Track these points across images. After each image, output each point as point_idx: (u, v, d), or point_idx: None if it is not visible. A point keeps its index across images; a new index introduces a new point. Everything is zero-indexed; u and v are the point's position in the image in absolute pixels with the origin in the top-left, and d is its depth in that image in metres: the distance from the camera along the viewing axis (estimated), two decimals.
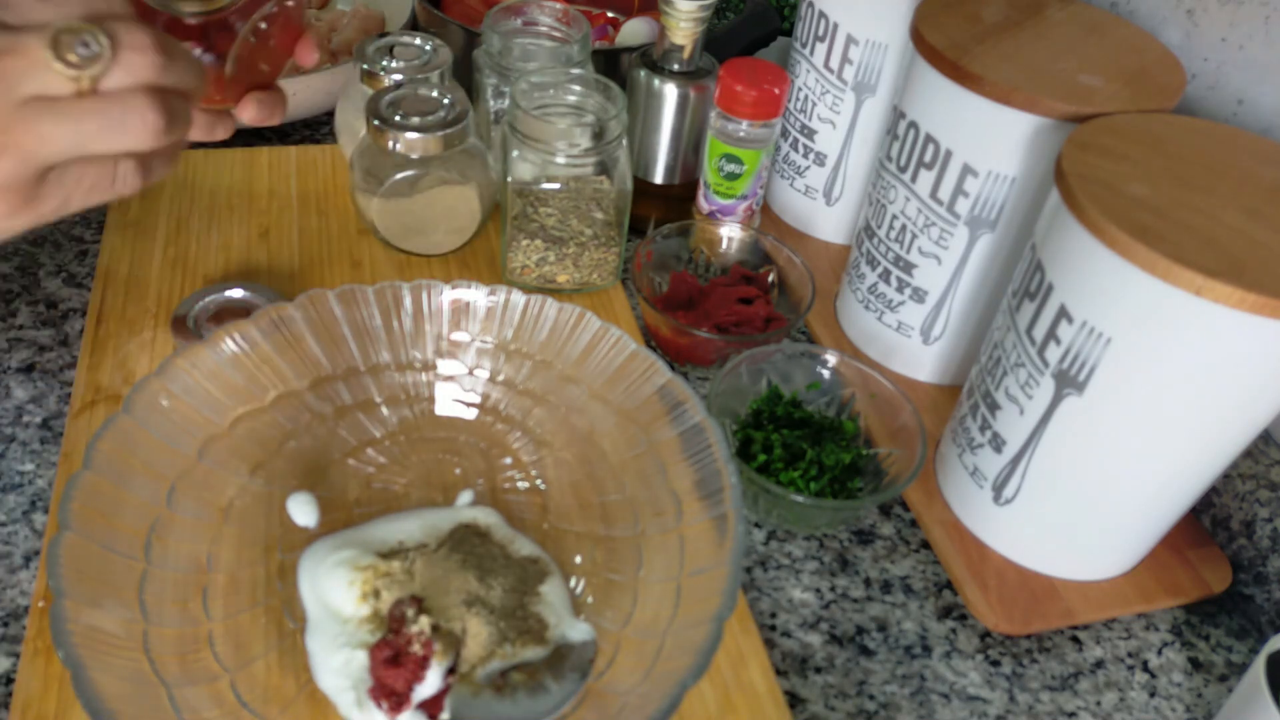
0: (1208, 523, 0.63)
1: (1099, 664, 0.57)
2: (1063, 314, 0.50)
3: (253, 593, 0.51)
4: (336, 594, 0.50)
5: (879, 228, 0.68)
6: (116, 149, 0.39)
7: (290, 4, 0.50)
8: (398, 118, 0.68)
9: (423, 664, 0.46)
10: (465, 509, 0.56)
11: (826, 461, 0.60)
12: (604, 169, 0.70)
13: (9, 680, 0.49)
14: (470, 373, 0.61)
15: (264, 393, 0.56)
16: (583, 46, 0.75)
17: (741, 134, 0.72)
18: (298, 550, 0.53)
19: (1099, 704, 0.55)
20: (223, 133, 0.52)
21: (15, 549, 0.55)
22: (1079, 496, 0.55)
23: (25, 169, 0.38)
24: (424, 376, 0.61)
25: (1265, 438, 0.59)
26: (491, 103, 0.76)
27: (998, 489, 0.58)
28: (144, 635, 0.45)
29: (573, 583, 0.53)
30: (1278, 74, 0.59)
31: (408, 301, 0.60)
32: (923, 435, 0.59)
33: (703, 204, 0.77)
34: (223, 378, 0.55)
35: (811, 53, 0.76)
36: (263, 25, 0.50)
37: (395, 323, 0.60)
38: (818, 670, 0.55)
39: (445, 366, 0.61)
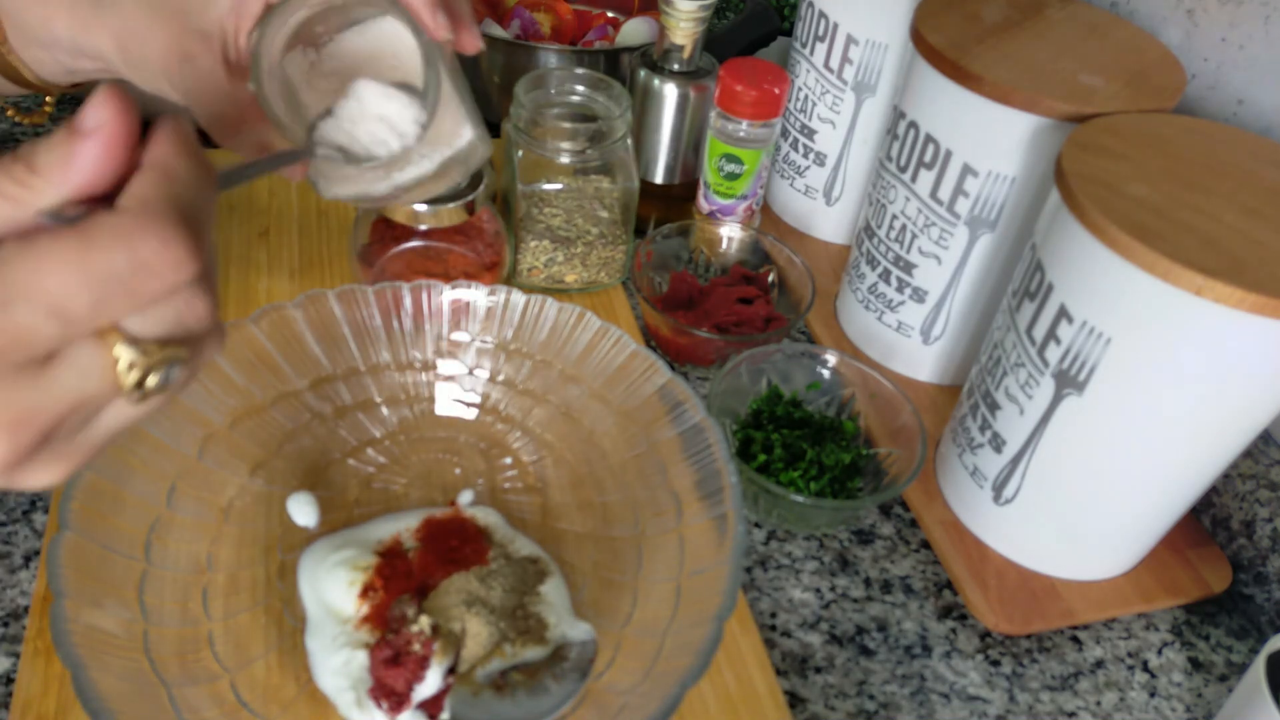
0: (1208, 523, 0.63)
1: (1099, 664, 0.57)
2: (1063, 314, 0.50)
3: (253, 593, 0.51)
4: (336, 594, 0.50)
5: (879, 228, 0.68)
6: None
7: None
8: None
9: (423, 664, 0.46)
10: (465, 509, 0.56)
11: (826, 461, 0.60)
12: (609, 168, 0.70)
13: (9, 680, 0.49)
14: (470, 373, 0.61)
15: (264, 393, 0.56)
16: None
17: (741, 134, 0.72)
18: (298, 550, 0.53)
19: (1099, 704, 0.55)
20: None
21: (15, 549, 0.55)
22: (1079, 496, 0.55)
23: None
24: (424, 376, 0.61)
25: (1265, 438, 0.59)
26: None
27: (998, 489, 0.58)
28: (144, 635, 0.45)
29: (572, 583, 0.53)
30: (1278, 74, 0.59)
31: (408, 301, 0.60)
32: (923, 435, 0.59)
33: (703, 204, 0.77)
34: (223, 377, 0.55)
35: (811, 53, 0.76)
36: None
37: (395, 323, 0.60)
38: (818, 670, 0.55)
39: (445, 366, 0.61)
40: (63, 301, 0.26)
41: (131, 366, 0.28)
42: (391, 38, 0.46)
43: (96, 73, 0.48)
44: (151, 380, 0.28)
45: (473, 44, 0.47)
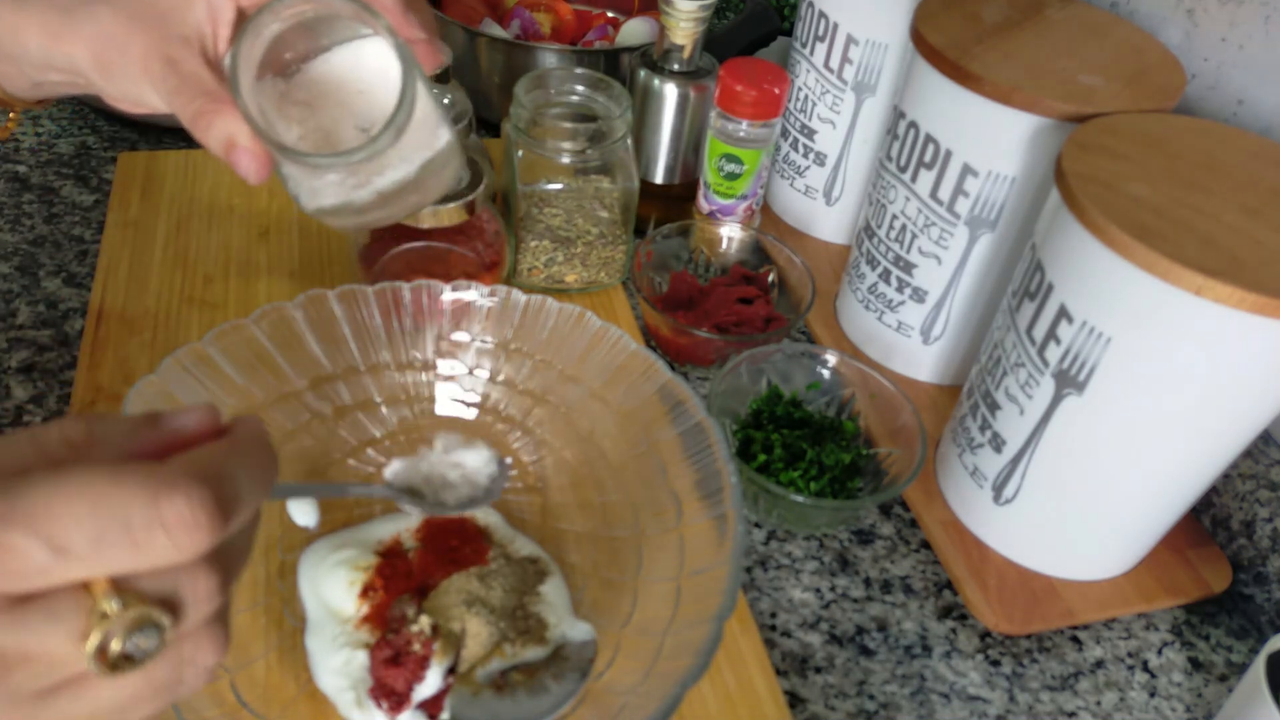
0: (1208, 523, 0.63)
1: (1099, 664, 0.57)
2: (1063, 314, 0.50)
3: (253, 593, 0.51)
4: (336, 594, 0.50)
5: (879, 227, 0.68)
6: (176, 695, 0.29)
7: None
8: None
9: (423, 664, 0.46)
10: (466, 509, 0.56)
11: (826, 461, 0.60)
12: (609, 168, 0.70)
13: None
14: (470, 373, 0.61)
15: (264, 393, 0.56)
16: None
17: (741, 134, 0.72)
18: (298, 550, 0.53)
19: (1099, 704, 0.55)
20: None
21: None
22: (1079, 496, 0.55)
23: None
24: (424, 376, 0.61)
25: (1265, 438, 0.59)
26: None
27: (998, 489, 0.58)
28: None
29: (572, 583, 0.53)
30: (1278, 74, 0.59)
31: (408, 301, 0.60)
32: (923, 435, 0.59)
33: (703, 204, 0.77)
34: (223, 377, 0.55)
35: (811, 53, 0.76)
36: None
37: (395, 323, 0.60)
38: (818, 670, 0.55)
39: (445, 366, 0.61)
40: (63, 532, 0.25)
41: (104, 616, 0.26)
42: (356, 65, 0.48)
43: (63, 85, 0.49)
44: (116, 644, 0.26)
45: (434, 58, 0.48)
